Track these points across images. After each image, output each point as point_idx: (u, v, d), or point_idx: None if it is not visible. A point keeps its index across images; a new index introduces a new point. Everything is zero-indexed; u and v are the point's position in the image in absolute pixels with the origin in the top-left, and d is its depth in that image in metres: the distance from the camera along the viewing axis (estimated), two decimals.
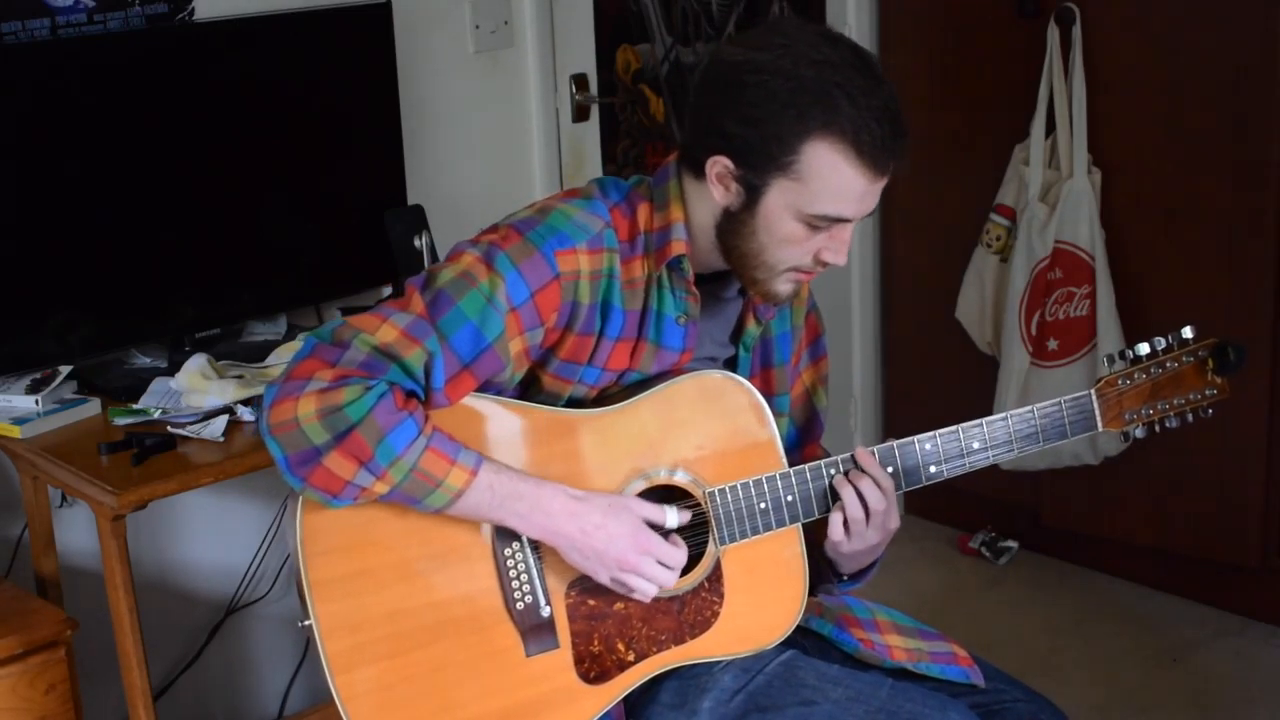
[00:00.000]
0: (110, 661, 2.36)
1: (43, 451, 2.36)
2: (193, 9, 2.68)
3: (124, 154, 2.51)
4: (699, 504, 1.86)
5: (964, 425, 1.92)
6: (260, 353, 2.61)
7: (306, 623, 1.76)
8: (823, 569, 1.97)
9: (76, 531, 2.65)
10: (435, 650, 1.78)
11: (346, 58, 2.78)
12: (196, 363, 2.48)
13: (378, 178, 2.85)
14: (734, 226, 1.80)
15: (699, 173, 1.81)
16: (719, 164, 1.78)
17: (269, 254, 2.73)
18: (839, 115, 1.71)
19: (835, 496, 1.88)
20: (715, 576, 1.88)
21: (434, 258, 2.78)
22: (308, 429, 1.67)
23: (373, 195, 2.83)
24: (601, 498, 1.79)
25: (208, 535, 2.88)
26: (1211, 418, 2.00)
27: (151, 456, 2.31)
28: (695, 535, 1.86)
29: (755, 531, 1.87)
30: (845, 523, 1.88)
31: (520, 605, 1.81)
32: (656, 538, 1.80)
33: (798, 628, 1.91)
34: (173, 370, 2.52)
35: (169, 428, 2.39)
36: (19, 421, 2.40)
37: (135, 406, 2.45)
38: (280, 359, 2.55)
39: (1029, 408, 1.93)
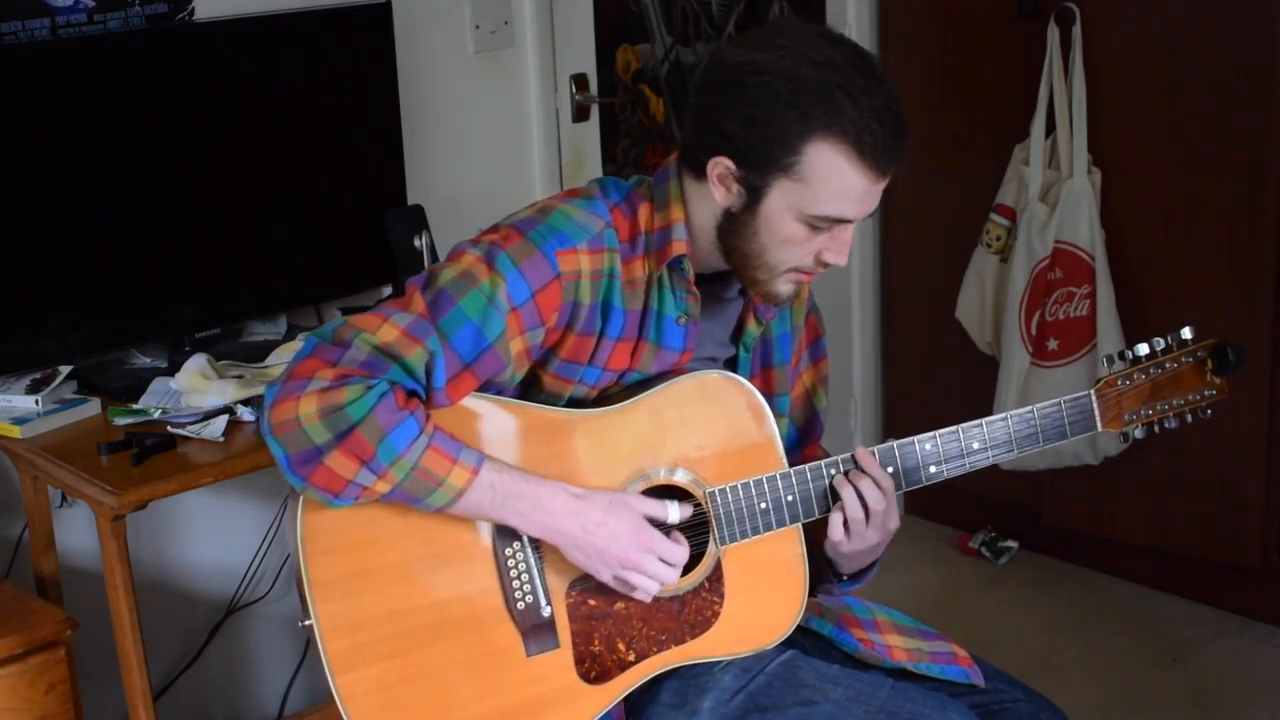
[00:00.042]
0: (110, 661, 2.36)
1: (43, 451, 2.36)
2: (193, 9, 2.68)
3: (124, 154, 2.51)
4: (699, 504, 1.86)
5: (964, 425, 1.92)
6: (260, 353, 2.61)
7: (307, 622, 1.76)
8: (822, 569, 1.97)
9: (76, 531, 2.65)
10: (436, 650, 1.78)
11: (346, 58, 2.78)
12: (196, 363, 2.48)
13: (378, 178, 2.85)
14: (735, 227, 1.80)
15: (700, 173, 1.81)
16: (720, 165, 1.78)
17: (269, 254, 2.73)
18: (841, 116, 1.71)
19: (835, 496, 1.88)
20: (715, 576, 1.88)
21: (434, 258, 2.78)
22: (309, 428, 1.67)
23: (373, 195, 2.83)
24: (603, 495, 1.79)
25: (208, 535, 2.88)
26: (1211, 418, 2.00)
27: (151, 456, 2.31)
28: (696, 535, 1.86)
29: (755, 531, 1.87)
30: (845, 523, 1.88)
31: (521, 605, 1.81)
32: (658, 535, 1.80)
33: (798, 628, 1.91)
34: (173, 370, 2.52)
35: (169, 428, 2.39)
36: (19, 421, 2.40)
37: (135, 406, 2.45)
38: (280, 359, 2.55)
39: (1029, 408, 1.93)
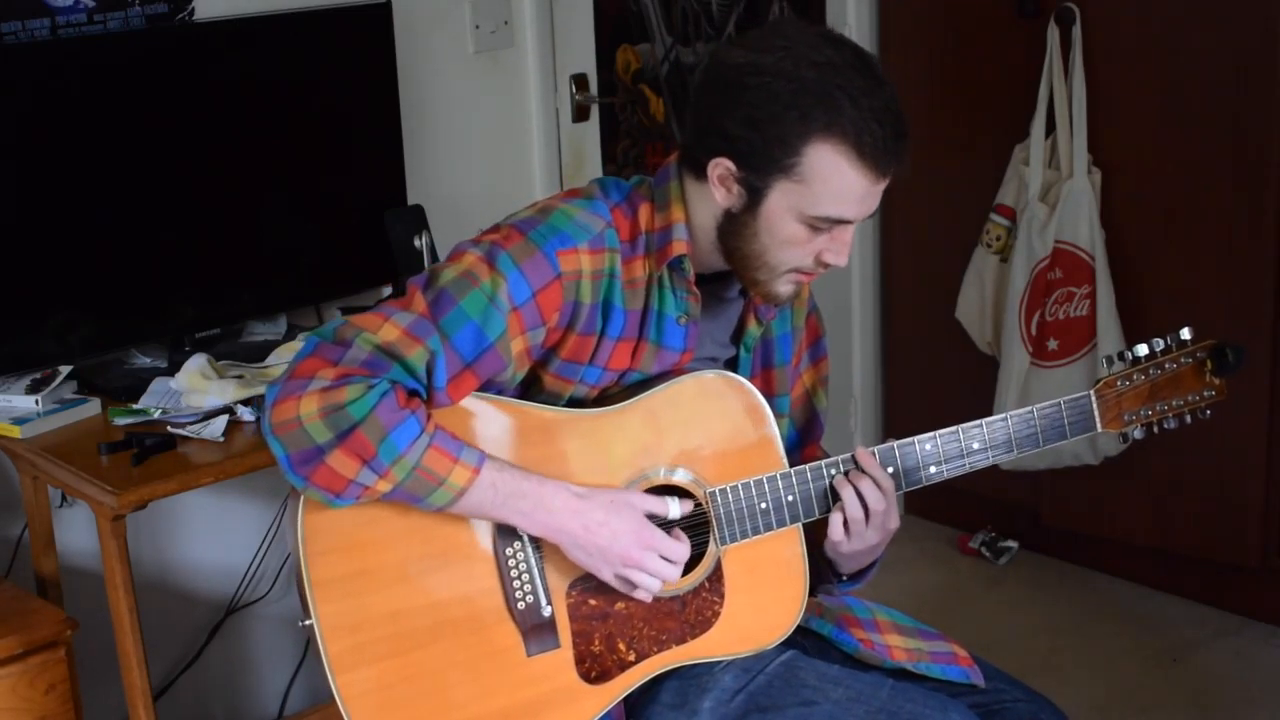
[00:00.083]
0: (110, 661, 2.36)
1: (43, 451, 2.36)
2: (193, 9, 2.68)
3: (124, 154, 2.51)
4: (700, 504, 1.86)
5: (964, 426, 1.92)
6: (260, 353, 2.61)
7: (307, 622, 1.76)
8: (822, 569, 1.97)
9: (76, 531, 2.65)
10: (436, 650, 1.78)
11: (346, 58, 2.78)
12: (196, 363, 2.48)
13: (378, 178, 2.85)
14: (735, 228, 1.80)
15: (700, 174, 1.81)
16: (720, 166, 1.78)
17: (269, 254, 2.73)
18: (841, 117, 1.71)
19: (835, 497, 1.88)
20: (716, 576, 1.88)
21: (434, 258, 2.78)
22: (310, 428, 1.67)
23: (373, 195, 2.83)
24: (604, 494, 1.79)
25: (208, 535, 2.88)
26: (1211, 418, 2.00)
27: (151, 456, 2.31)
28: (696, 535, 1.86)
29: (756, 531, 1.87)
30: (845, 523, 1.88)
31: (521, 605, 1.81)
32: (660, 533, 1.80)
33: (798, 628, 1.91)
34: (173, 370, 2.51)
35: (169, 428, 2.39)
36: (19, 421, 2.40)
37: (135, 406, 2.45)
38: (280, 359, 2.55)
39: (1028, 408, 1.93)
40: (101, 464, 2.30)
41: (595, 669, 1.84)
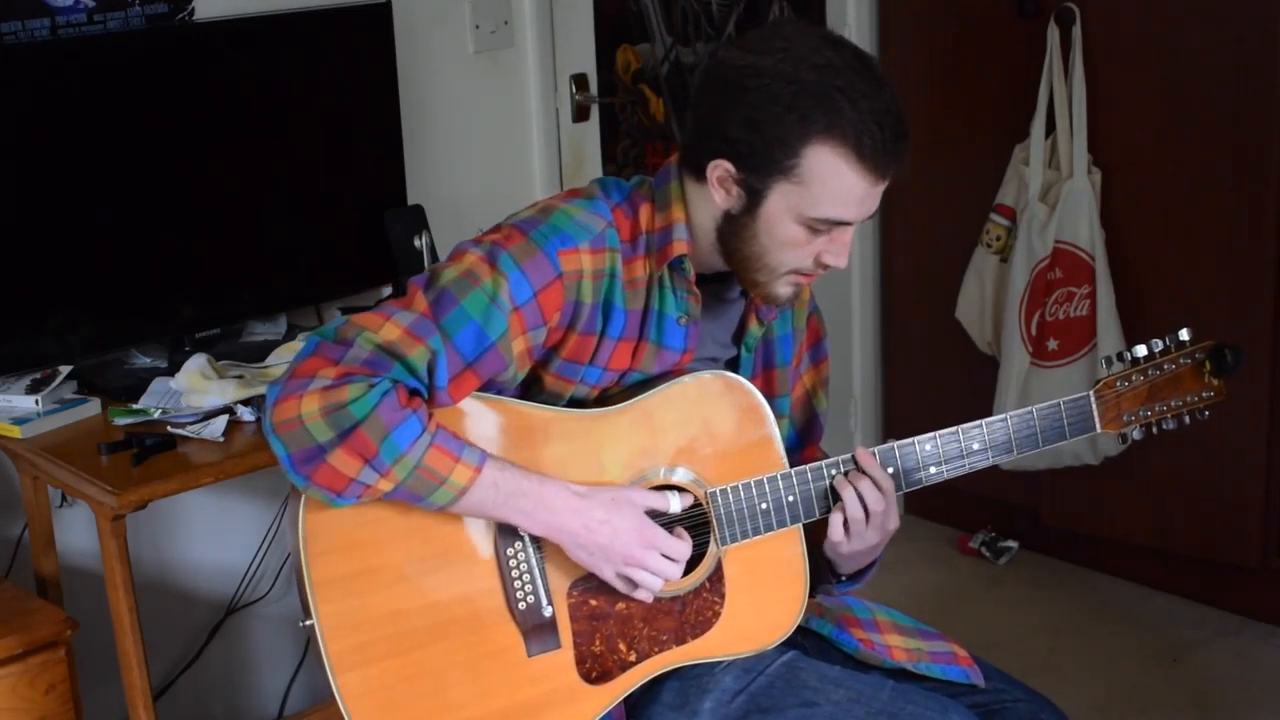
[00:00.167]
0: (110, 661, 2.36)
1: (43, 451, 2.36)
2: (193, 9, 2.68)
3: (124, 154, 2.51)
4: (700, 504, 1.86)
5: (964, 426, 1.92)
6: (260, 353, 2.61)
7: (308, 622, 1.76)
8: (821, 569, 1.97)
9: (76, 531, 2.65)
10: (437, 650, 1.78)
11: (346, 58, 2.78)
12: (196, 363, 2.48)
13: (378, 178, 2.85)
14: (735, 229, 1.80)
15: (700, 175, 1.81)
16: (720, 167, 1.78)
17: (269, 254, 2.73)
18: (840, 119, 1.71)
19: (836, 497, 1.88)
20: (716, 577, 1.88)
21: (434, 258, 2.78)
22: (311, 427, 1.67)
23: (373, 195, 2.83)
24: (604, 492, 1.79)
25: (208, 535, 2.88)
26: (1210, 418, 2.00)
27: (151, 456, 2.31)
28: (697, 536, 1.86)
29: (756, 532, 1.88)
30: (845, 523, 1.88)
31: (522, 605, 1.81)
32: (661, 531, 1.80)
33: (798, 628, 1.91)
34: (173, 370, 2.51)
35: (169, 428, 2.39)
36: (19, 421, 2.40)
37: (135, 406, 2.45)
38: (280, 359, 2.55)
39: (1028, 409, 1.93)
40: (101, 464, 2.30)
41: (596, 669, 1.84)
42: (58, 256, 2.47)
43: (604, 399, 1.88)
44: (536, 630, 1.82)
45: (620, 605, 1.85)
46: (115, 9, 2.58)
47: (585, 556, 1.79)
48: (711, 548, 1.87)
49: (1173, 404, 1.98)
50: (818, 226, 1.77)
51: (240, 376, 2.48)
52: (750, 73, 1.74)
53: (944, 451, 1.92)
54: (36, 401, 2.42)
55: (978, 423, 1.92)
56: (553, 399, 1.86)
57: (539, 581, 1.82)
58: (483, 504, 1.74)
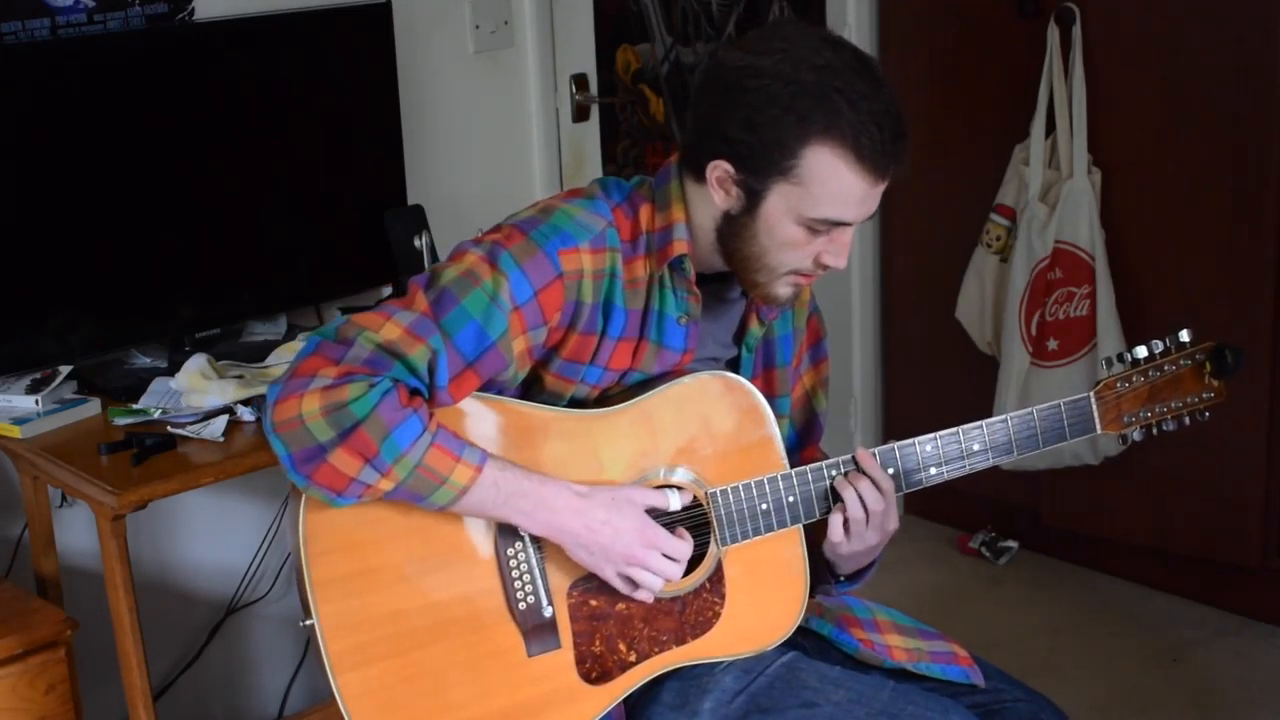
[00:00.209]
0: (110, 661, 2.36)
1: (43, 451, 2.36)
2: (192, 9, 2.68)
3: (124, 154, 2.51)
4: (700, 505, 1.86)
5: (964, 427, 1.92)
6: (260, 353, 2.61)
7: (308, 622, 1.76)
8: (820, 569, 1.97)
9: (76, 531, 2.65)
10: (437, 650, 1.78)
11: (346, 58, 2.78)
12: (196, 363, 2.48)
13: (378, 178, 2.85)
14: (734, 230, 1.80)
15: (699, 176, 1.81)
16: (719, 168, 1.78)
17: (269, 254, 2.73)
18: (839, 119, 1.71)
19: (836, 498, 1.88)
20: (717, 577, 1.88)
21: (434, 258, 2.78)
22: (312, 426, 1.67)
23: (373, 195, 2.83)
24: (604, 492, 1.79)
25: (208, 535, 2.88)
26: (1210, 418, 2.00)
27: (151, 456, 2.31)
28: (697, 536, 1.86)
29: (757, 532, 1.88)
30: (845, 524, 1.88)
31: (522, 605, 1.81)
32: (662, 531, 1.80)
33: (798, 628, 1.91)
34: (173, 370, 2.51)
35: (169, 428, 2.39)
36: (19, 421, 2.40)
37: (135, 406, 2.45)
38: (280, 359, 2.55)
39: (1028, 410, 1.93)
40: (101, 464, 2.30)
41: (596, 669, 1.84)
42: (58, 256, 2.47)
43: (604, 399, 1.88)
44: (536, 630, 1.82)
45: (620, 605, 1.85)
46: (115, 9, 2.58)
47: (586, 556, 1.79)
48: (712, 548, 1.87)
49: (1173, 405, 1.98)
50: (817, 227, 1.77)
51: (240, 376, 2.48)
52: (749, 73, 1.74)
53: (944, 452, 1.92)
54: (36, 401, 2.42)
55: (978, 424, 1.92)
56: (553, 399, 1.86)
57: (539, 581, 1.82)
58: (483, 504, 1.74)
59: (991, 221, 3.59)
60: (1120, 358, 1.97)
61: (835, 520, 1.88)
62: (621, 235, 1.85)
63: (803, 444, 2.09)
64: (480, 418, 1.80)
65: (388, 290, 2.88)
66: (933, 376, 3.90)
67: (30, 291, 2.45)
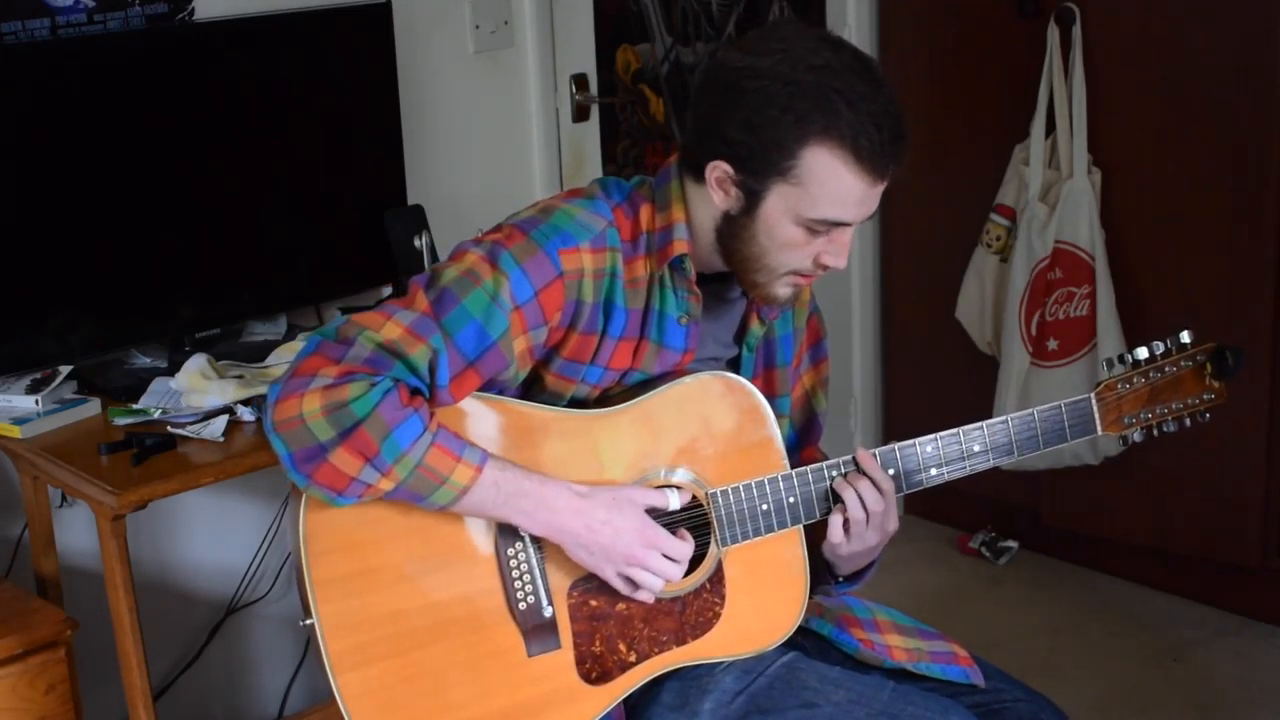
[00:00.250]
0: (110, 661, 2.36)
1: (43, 451, 2.36)
2: (192, 9, 2.68)
3: (124, 154, 2.51)
4: (701, 505, 1.86)
5: (964, 428, 1.92)
6: (260, 353, 2.61)
7: (308, 622, 1.76)
8: (820, 570, 1.97)
9: (76, 531, 2.65)
10: (437, 650, 1.78)
11: (346, 58, 2.78)
12: (196, 363, 2.48)
13: (378, 178, 2.85)
14: (734, 230, 1.80)
15: (699, 176, 1.81)
16: (719, 169, 1.78)
17: (269, 254, 2.73)
18: (838, 120, 1.71)
19: (836, 498, 1.88)
20: (717, 578, 1.88)
21: (434, 258, 2.78)
22: (313, 425, 1.67)
23: (373, 195, 2.83)
24: (605, 492, 1.79)
25: (208, 535, 2.88)
26: (1210, 420, 2.00)
27: (151, 456, 2.31)
28: (697, 537, 1.86)
29: (757, 533, 1.88)
30: (845, 524, 1.88)
31: (522, 605, 1.81)
32: (662, 531, 1.80)
33: (798, 628, 1.91)
34: (173, 370, 2.51)
35: (169, 428, 2.39)
36: (19, 421, 2.40)
37: (135, 406, 2.45)
38: (280, 359, 2.55)
39: (1029, 411, 1.93)
40: (101, 464, 2.30)
41: (596, 670, 1.84)
42: (58, 256, 2.47)
43: (605, 399, 1.88)
44: (536, 630, 1.82)
45: (620, 606, 1.85)
46: (115, 9, 2.58)
47: (586, 557, 1.79)
48: (712, 549, 1.87)
49: (1174, 406, 1.98)
50: (816, 227, 1.77)
51: (240, 376, 2.48)
52: (748, 74, 1.74)
53: (945, 453, 1.92)
54: (36, 401, 2.42)
55: (979, 424, 1.92)
56: (554, 399, 1.86)
57: (539, 582, 1.82)
58: (483, 504, 1.74)
59: (991, 221, 3.59)
60: (1121, 359, 1.97)
61: (835, 521, 1.88)
62: (622, 235, 1.85)
63: (802, 444, 2.09)
64: (481, 417, 1.80)
65: (388, 290, 2.88)
66: (933, 377, 3.91)
67: (30, 291, 2.45)
